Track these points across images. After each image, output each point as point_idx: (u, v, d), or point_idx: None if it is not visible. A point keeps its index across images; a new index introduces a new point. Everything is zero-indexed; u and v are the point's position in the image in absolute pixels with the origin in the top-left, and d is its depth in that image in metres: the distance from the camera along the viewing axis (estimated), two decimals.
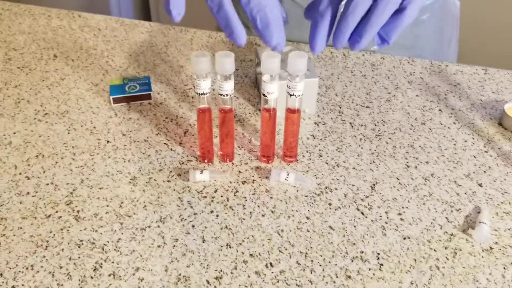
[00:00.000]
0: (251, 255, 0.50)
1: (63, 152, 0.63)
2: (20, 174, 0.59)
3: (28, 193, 0.57)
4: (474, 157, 0.63)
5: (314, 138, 0.64)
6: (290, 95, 0.55)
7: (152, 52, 0.83)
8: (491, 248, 0.52)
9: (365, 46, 0.42)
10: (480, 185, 0.59)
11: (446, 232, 0.53)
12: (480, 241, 0.53)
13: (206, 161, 0.60)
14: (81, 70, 0.79)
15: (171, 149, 0.62)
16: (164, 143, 0.63)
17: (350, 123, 0.67)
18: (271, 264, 0.50)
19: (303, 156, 0.62)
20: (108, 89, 0.72)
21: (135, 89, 0.70)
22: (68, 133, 0.66)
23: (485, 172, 0.61)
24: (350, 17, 0.40)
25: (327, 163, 0.60)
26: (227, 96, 0.55)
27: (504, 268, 0.50)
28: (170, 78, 0.76)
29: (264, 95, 0.54)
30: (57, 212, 0.55)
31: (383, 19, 0.40)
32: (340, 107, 0.70)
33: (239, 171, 0.59)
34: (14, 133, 0.66)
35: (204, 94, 0.55)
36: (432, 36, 0.85)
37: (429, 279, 0.49)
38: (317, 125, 0.67)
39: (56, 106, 0.71)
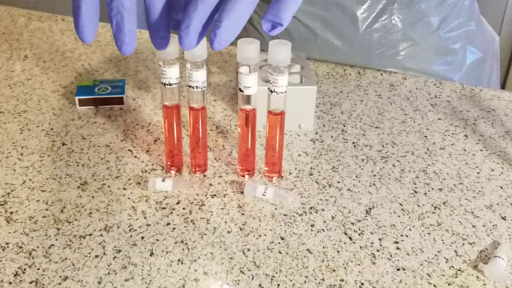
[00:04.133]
0: (205, 273, 0.49)
1: (9, 151, 0.64)
2: None
3: None
4: (501, 187, 0.61)
5: (306, 155, 0.64)
6: (271, 91, 0.54)
7: (136, 59, 0.86)
8: None
9: (226, 41, 0.42)
10: (504, 218, 0.57)
11: (453, 266, 0.51)
12: (494, 279, 0.50)
13: (173, 170, 0.60)
14: (51, 72, 0.81)
15: (135, 157, 0.63)
16: (129, 150, 0.64)
17: (353, 142, 0.67)
18: (227, 284, 0.48)
19: (290, 173, 0.61)
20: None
21: (105, 91, 0.72)
22: (21, 132, 0.67)
23: None
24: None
25: (317, 182, 0.60)
26: (197, 88, 0.54)
27: None
28: (151, 85, 0.78)
29: (240, 89, 0.54)
30: None
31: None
32: (344, 126, 0.70)
33: (210, 184, 0.59)
34: None
35: (170, 85, 0.54)
36: (467, 69, 0.86)
37: None
38: (313, 142, 0.67)
39: (14, 106, 0.73)
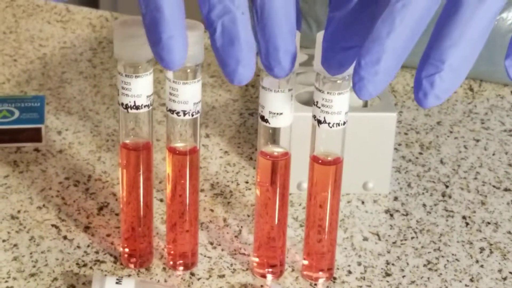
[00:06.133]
0: None
1: None
2: None
3: None
4: None
5: (380, 239, 0.58)
6: (319, 122, 0.48)
7: (63, 58, 0.79)
8: None
9: (449, 91, 0.38)
10: None
11: None
12: None
13: (135, 263, 0.55)
14: None
15: (65, 237, 0.56)
16: (53, 225, 0.57)
17: (464, 217, 0.60)
18: None
19: (349, 272, 0.55)
20: None
21: (9, 118, 0.67)
22: None
23: None
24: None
25: None
26: (184, 115, 0.48)
27: None
28: (91, 107, 0.71)
29: (263, 118, 0.48)
30: None
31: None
32: (447, 186, 0.63)
33: None
34: None
35: (136, 108, 0.49)
36: None
37: None
38: (391, 215, 0.60)
39: None
